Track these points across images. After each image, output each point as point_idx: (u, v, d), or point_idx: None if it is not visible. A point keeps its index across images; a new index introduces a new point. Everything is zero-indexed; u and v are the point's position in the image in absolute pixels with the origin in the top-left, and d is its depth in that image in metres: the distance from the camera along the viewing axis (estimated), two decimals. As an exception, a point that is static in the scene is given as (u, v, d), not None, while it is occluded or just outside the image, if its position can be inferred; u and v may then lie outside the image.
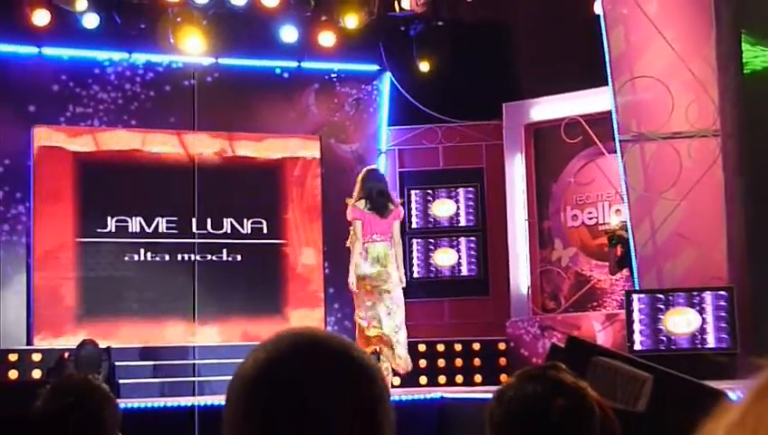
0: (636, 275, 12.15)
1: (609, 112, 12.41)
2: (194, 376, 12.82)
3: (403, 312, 10.02)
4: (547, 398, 2.43)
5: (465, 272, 15.03)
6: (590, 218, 14.02)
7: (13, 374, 12.11)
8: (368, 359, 1.62)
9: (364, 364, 1.60)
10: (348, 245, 10.78)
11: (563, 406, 2.44)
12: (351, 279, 10.21)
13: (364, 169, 10.89)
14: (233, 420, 1.56)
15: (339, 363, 1.57)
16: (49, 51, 13.90)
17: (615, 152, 12.50)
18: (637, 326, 11.57)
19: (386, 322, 9.90)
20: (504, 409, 2.42)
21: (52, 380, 3.32)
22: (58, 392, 3.23)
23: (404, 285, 10.47)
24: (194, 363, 12.96)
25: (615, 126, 12.21)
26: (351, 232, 10.51)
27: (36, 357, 12.41)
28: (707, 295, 11.41)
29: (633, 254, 12.08)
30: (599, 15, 12.47)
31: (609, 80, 12.22)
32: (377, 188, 10.35)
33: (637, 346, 11.50)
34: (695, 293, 11.47)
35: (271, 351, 1.58)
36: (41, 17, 13.31)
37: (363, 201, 10.29)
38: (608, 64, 12.22)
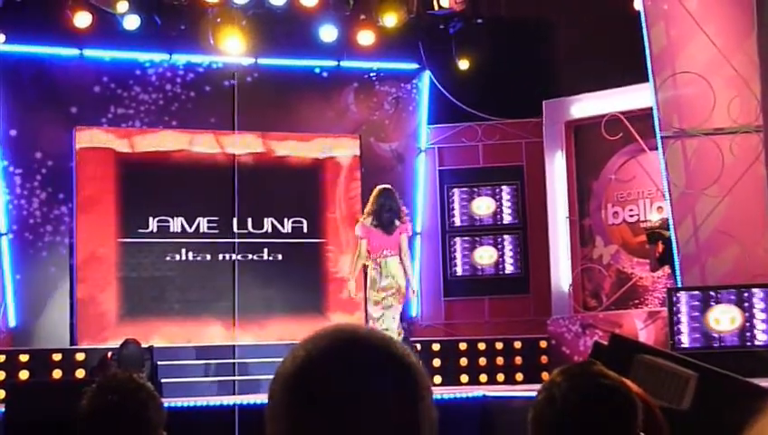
0: (678, 272, 12.05)
1: (650, 109, 12.31)
2: (234, 375, 12.86)
3: (396, 321, 10.56)
4: (593, 395, 2.42)
5: (505, 270, 14.99)
6: (632, 216, 13.93)
7: (57, 374, 12.21)
8: (408, 356, 1.60)
9: (405, 361, 1.58)
10: (355, 256, 10.93)
11: (609, 403, 2.42)
12: (351, 286, 10.68)
13: (378, 187, 11.06)
14: (274, 418, 1.56)
15: (379, 360, 1.56)
16: (90, 52, 14.01)
17: (656, 149, 12.41)
18: (683, 325, 11.48)
19: (394, 327, 10.50)
20: (549, 408, 2.41)
21: (97, 379, 3.32)
22: (103, 391, 3.24)
23: (416, 293, 11.00)
24: (234, 362, 12.99)
25: (656, 122, 12.12)
26: (359, 247, 10.76)
27: (80, 357, 12.51)
28: (757, 292, 11.31)
29: (675, 251, 11.99)
30: (638, 11, 12.38)
31: (651, 76, 12.13)
32: (386, 206, 10.63)
33: (684, 344, 11.41)
34: (743, 289, 11.37)
35: (311, 349, 1.57)
36: (82, 19, 13.41)
37: (370, 218, 10.62)
38: (649, 60, 12.13)
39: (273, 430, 1.56)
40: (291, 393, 1.54)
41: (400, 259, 10.57)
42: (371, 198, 10.88)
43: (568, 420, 2.40)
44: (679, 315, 11.50)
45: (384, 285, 10.58)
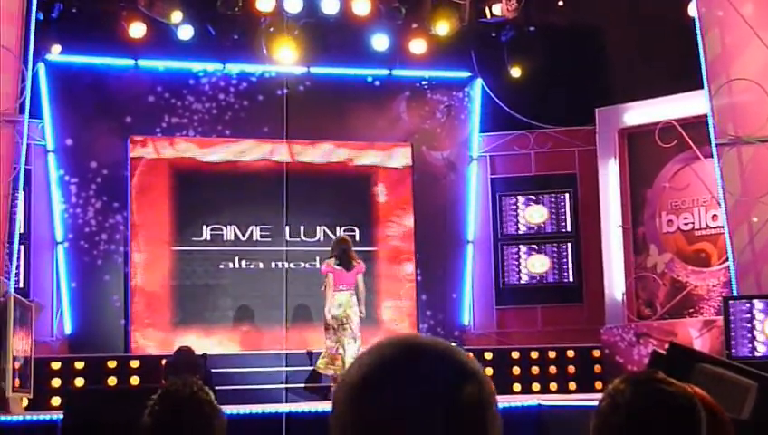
0: (734, 280, 11.90)
1: (705, 116, 12.17)
2: (285, 383, 12.87)
3: (360, 341, 12.05)
4: (657, 402, 2.40)
5: (558, 278, 14.92)
6: (686, 224, 13.81)
7: (112, 381, 12.30)
8: (473, 364, 1.60)
9: (469, 369, 1.58)
10: (322, 290, 12.33)
11: (674, 410, 2.40)
12: (328, 316, 12.13)
13: (337, 237, 13.09)
14: (339, 426, 1.56)
15: (443, 368, 1.56)
16: (145, 63, 14.16)
17: (711, 156, 12.28)
18: (739, 333, 11.33)
19: (348, 350, 11.96)
20: (613, 415, 2.40)
21: (161, 387, 3.32)
22: (167, 401, 3.25)
23: (364, 316, 12.41)
24: (285, 371, 13.00)
25: (711, 129, 11.99)
26: (325, 282, 12.27)
27: (134, 364, 12.60)
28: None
29: (731, 259, 11.85)
30: (692, 18, 12.26)
31: (705, 83, 12.01)
32: (344, 249, 12.34)
33: (740, 353, 11.25)
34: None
35: (376, 357, 1.57)
36: (137, 30, 13.56)
37: (334, 259, 12.31)
38: (703, 67, 12.01)
39: (339, 435, 1.56)
40: (356, 401, 1.54)
41: (354, 293, 12.24)
42: (333, 245, 12.59)
43: (633, 427, 2.39)
44: (735, 324, 11.36)
45: (335, 313, 12.10)
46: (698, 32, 12.06)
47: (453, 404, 1.53)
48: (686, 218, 13.80)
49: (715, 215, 13.28)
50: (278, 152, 14.38)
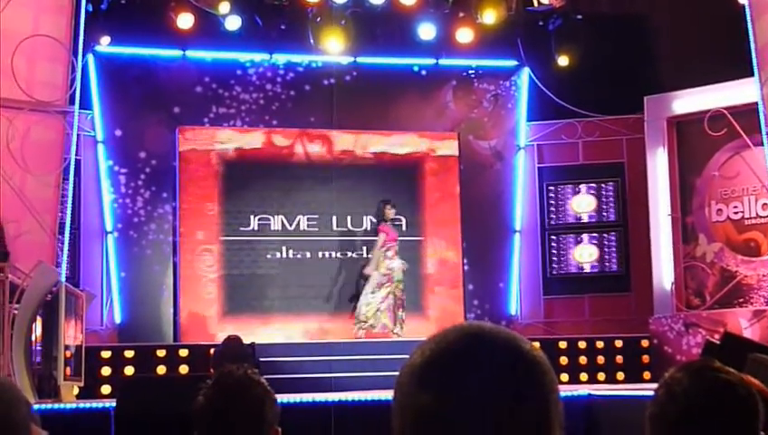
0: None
1: (755, 104, 12.05)
2: (331, 372, 12.88)
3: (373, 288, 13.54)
4: (715, 391, 2.40)
5: (605, 268, 14.85)
6: (736, 213, 13.68)
7: (161, 369, 12.39)
8: (537, 352, 1.60)
9: (533, 356, 1.58)
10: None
11: (731, 398, 2.40)
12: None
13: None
14: (401, 408, 1.56)
15: (507, 353, 1.56)
16: (192, 53, 14.24)
17: (761, 145, 12.16)
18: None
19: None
20: (670, 404, 2.39)
21: (210, 376, 3.35)
22: (220, 387, 3.28)
23: (370, 273, 13.65)
24: (331, 360, 13.01)
25: (761, 117, 11.87)
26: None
27: (183, 353, 12.67)
28: None
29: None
30: (742, 5, 12.14)
31: (755, 70, 11.88)
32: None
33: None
34: None
35: (440, 341, 1.58)
36: (185, 21, 13.64)
37: None
38: (753, 54, 11.88)
39: (400, 419, 1.57)
40: (419, 384, 1.55)
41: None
42: None
43: (690, 415, 2.38)
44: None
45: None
46: (748, 18, 11.94)
47: (515, 392, 1.53)
48: (735, 207, 13.68)
49: (765, 204, 13.15)
50: (325, 142, 14.41)
